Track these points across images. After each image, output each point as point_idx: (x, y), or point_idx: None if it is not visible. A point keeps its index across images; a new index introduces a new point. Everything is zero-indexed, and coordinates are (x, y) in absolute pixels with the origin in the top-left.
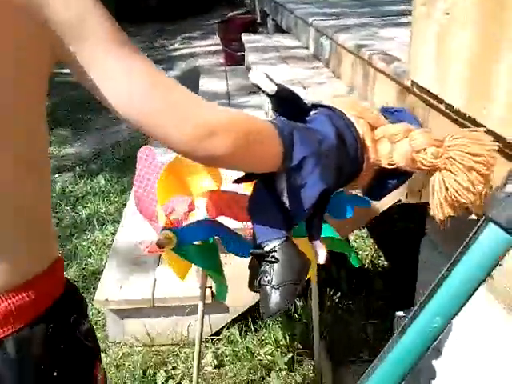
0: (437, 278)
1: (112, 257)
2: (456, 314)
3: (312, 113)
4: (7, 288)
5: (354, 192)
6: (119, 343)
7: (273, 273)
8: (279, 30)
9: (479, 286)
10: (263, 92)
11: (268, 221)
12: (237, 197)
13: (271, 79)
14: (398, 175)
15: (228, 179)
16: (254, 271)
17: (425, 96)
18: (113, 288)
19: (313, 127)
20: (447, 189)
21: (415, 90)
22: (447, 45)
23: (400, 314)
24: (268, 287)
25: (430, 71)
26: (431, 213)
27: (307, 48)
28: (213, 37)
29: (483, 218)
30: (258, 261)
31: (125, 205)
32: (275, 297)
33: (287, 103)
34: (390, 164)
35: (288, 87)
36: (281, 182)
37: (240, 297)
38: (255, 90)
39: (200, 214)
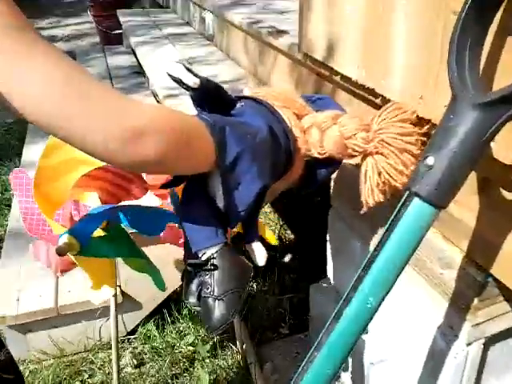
0: (365, 256)
1: (2, 268)
2: (388, 292)
3: (238, 105)
4: None
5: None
6: (24, 361)
7: (214, 283)
8: (156, 5)
9: (408, 261)
10: (183, 86)
11: (202, 226)
12: (118, 170)
13: (191, 71)
14: (329, 163)
15: None
16: (190, 282)
17: (318, 69)
18: (8, 302)
19: (243, 121)
20: (380, 173)
21: (308, 63)
22: (338, 12)
23: (315, 285)
24: (210, 299)
25: (323, 42)
26: (362, 199)
27: (189, 24)
28: (84, 15)
29: (407, 192)
30: (195, 271)
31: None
32: (219, 309)
33: (210, 96)
34: (320, 153)
35: (211, 79)
36: (214, 182)
37: (151, 291)
38: (139, 70)
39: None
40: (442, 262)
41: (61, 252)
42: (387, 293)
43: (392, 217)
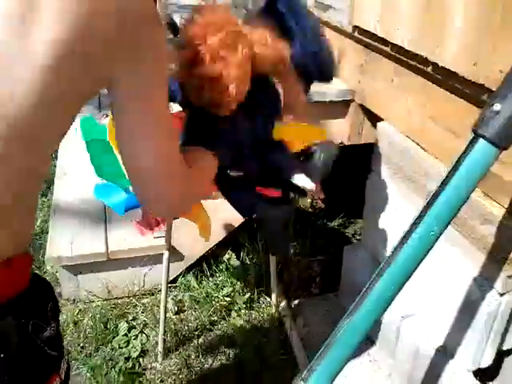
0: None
1: (56, 216)
2: (448, 223)
3: None
4: None
5: None
6: (74, 300)
7: None
8: None
9: (469, 195)
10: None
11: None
12: None
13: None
14: None
15: None
16: None
17: (367, 40)
18: (64, 245)
19: None
20: None
21: (356, 35)
22: None
23: (349, 246)
24: None
25: (375, 14)
26: None
27: None
28: None
29: (473, 134)
30: None
31: None
32: None
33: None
34: None
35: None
36: None
37: (193, 245)
38: None
39: None
40: (481, 218)
41: None
42: (447, 224)
43: (457, 157)
